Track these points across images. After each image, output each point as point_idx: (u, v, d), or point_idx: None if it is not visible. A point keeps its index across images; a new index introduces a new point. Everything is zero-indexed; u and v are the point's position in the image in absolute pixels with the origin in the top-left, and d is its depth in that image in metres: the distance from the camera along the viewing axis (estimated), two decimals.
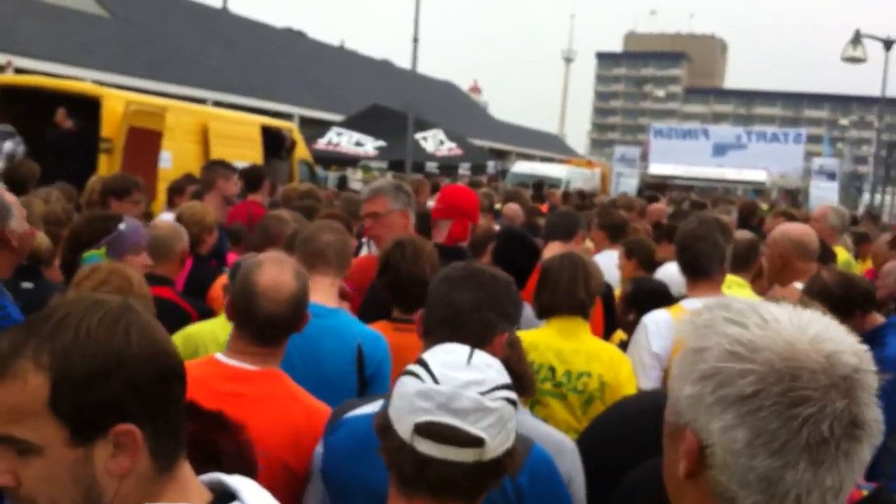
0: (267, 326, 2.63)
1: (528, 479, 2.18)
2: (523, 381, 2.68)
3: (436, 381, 1.69)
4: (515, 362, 2.64)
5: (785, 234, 4.63)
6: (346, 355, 3.24)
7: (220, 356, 2.67)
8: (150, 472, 1.30)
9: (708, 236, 3.92)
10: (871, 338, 3.72)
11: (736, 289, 4.48)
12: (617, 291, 5.02)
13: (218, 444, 1.46)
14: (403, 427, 1.69)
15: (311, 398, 2.67)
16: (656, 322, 3.82)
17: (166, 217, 5.92)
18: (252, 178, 7.69)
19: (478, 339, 2.35)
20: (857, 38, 21.93)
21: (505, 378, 1.76)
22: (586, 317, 3.69)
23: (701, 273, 3.91)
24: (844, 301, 3.73)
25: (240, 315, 2.66)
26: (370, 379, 3.26)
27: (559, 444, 2.55)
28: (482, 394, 1.68)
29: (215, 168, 6.91)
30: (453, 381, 1.69)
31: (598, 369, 3.52)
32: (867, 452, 1.17)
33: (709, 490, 1.21)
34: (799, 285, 4.46)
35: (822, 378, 1.14)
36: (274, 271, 2.68)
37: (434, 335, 2.31)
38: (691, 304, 3.79)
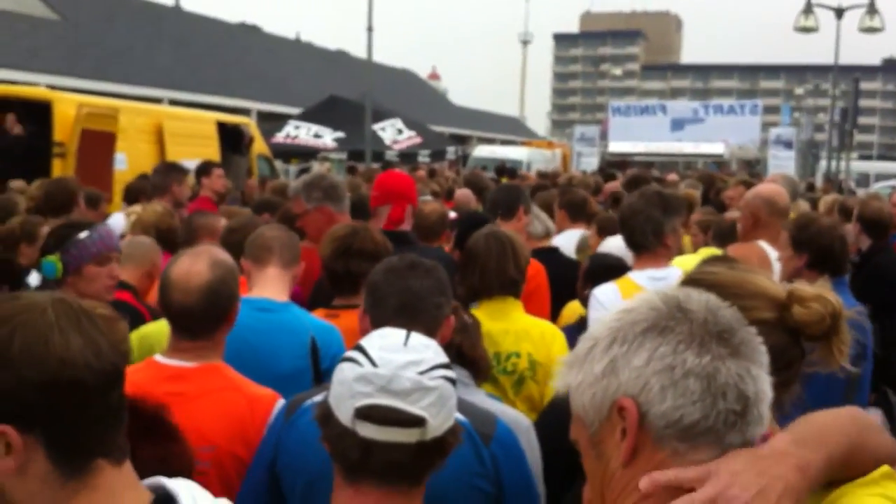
0: (182, 318, 2.60)
1: (499, 448, 2.23)
2: (478, 365, 2.70)
3: (374, 364, 1.70)
4: (469, 347, 2.66)
5: (757, 194, 4.72)
6: (300, 349, 3.20)
7: (158, 357, 2.66)
8: (53, 477, 1.31)
9: (643, 210, 3.97)
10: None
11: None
12: None
13: (136, 451, 1.44)
14: (344, 413, 1.69)
15: (255, 387, 2.65)
16: (602, 294, 3.87)
17: (117, 219, 5.88)
18: (200, 170, 7.63)
19: (434, 324, 2.42)
20: (808, 8, 22.12)
21: (442, 357, 1.77)
22: (517, 295, 3.66)
23: (639, 247, 3.97)
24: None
25: (162, 310, 2.66)
26: (326, 373, 3.18)
27: (515, 421, 2.58)
28: (421, 373, 1.69)
29: (169, 172, 6.87)
30: (392, 363, 1.70)
31: (527, 348, 3.48)
32: (765, 358, 1.28)
33: (653, 446, 1.23)
34: (762, 243, 4.57)
35: (695, 295, 1.30)
36: (186, 263, 2.65)
37: (391, 324, 2.25)
38: (635, 277, 3.86)
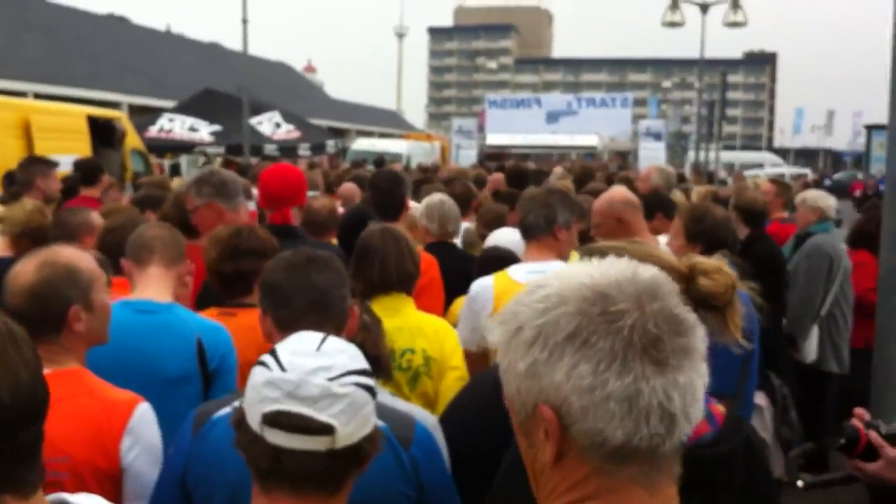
0: (16, 320, 2.54)
1: (419, 451, 2.23)
2: (379, 362, 2.66)
3: (283, 369, 1.66)
4: (371, 345, 2.62)
5: (611, 199, 4.84)
6: (186, 351, 3.09)
7: None
8: None
9: (541, 197, 4.09)
10: None
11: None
12: None
13: None
14: (253, 418, 1.66)
15: (113, 391, 2.54)
16: (477, 287, 3.94)
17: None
18: (86, 171, 7.37)
19: (342, 318, 2.41)
20: (675, 4, 22.87)
21: (358, 363, 1.73)
22: (410, 292, 3.64)
23: (529, 231, 4.07)
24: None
25: None
26: (214, 373, 3.10)
27: (423, 418, 2.60)
28: (330, 380, 1.65)
29: (32, 166, 6.62)
30: (300, 368, 1.66)
31: (421, 344, 3.45)
32: (702, 346, 1.21)
33: (578, 455, 1.19)
34: (661, 238, 4.77)
35: (629, 288, 1.19)
36: (20, 263, 2.55)
37: (302, 323, 2.23)
38: (512, 272, 3.93)
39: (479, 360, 3.79)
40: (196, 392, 3.03)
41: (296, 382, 1.64)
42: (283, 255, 2.55)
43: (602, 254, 1.35)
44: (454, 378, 3.46)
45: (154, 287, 3.25)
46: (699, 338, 1.21)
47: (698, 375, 1.19)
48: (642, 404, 1.14)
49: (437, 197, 5.58)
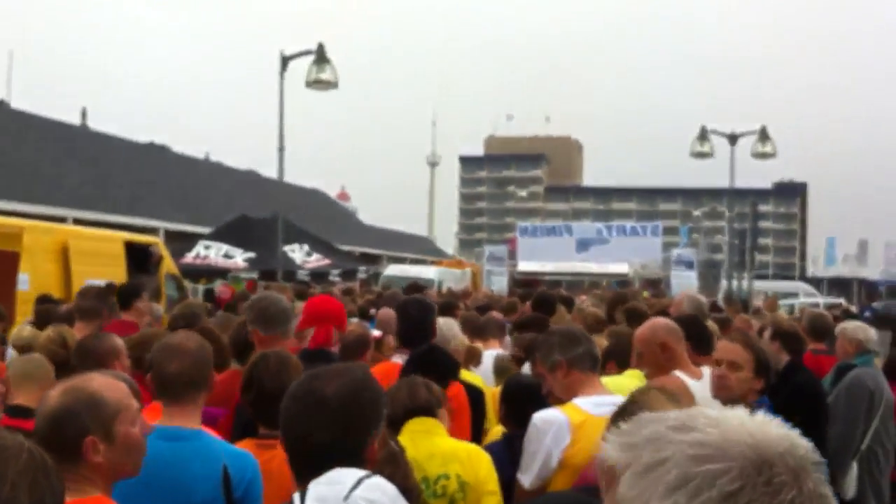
0: (38, 444, 2.51)
1: None
2: (410, 495, 2.62)
3: None
4: (401, 477, 2.54)
5: (655, 326, 4.79)
6: (212, 479, 3.08)
7: None
8: None
9: (590, 336, 4.10)
10: None
11: (635, 380, 4.62)
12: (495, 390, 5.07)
13: None
14: None
15: None
16: (550, 419, 3.85)
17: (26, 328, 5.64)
18: (124, 295, 7.42)
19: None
20: (703, 134, 23.19)
21: None
22: (437, 416, 3.62)
23: (592, 368, 4.00)
24: None
25: None
26: (239, 501, 3.09)
27: None
28: None
29: (101, 297, 6.70)
30: None
31: (455, 469, 3.43)
32: None
33: None
34: (678, 373, 4.60)
35: (790, 460, 1.13)
36: (52, 389, 2.57)
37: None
38: (583, 403, 3.83)
39: (532, 495, 3.70)
40: None
41: None
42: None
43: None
44: (492, 503, 3.42)
45: (181, 415, 3.22)
46: None
47: None
48: None
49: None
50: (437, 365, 4.29)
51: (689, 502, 1.10)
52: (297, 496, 1.65)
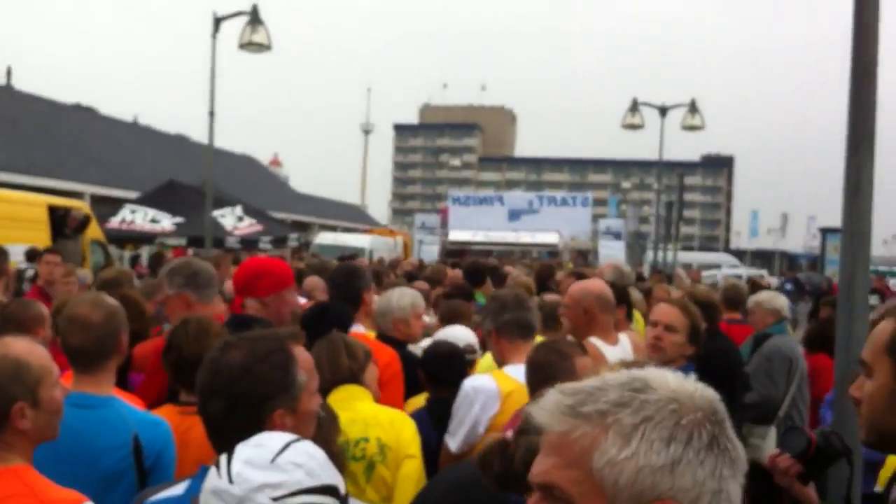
0: None
1: None
2: (334, 461, 2.64)
3: (230, 479, 1.60)
4: (321, 441, 2.59)
5: (587, 290, 4.90)
6: (122, 448, 3.03)
7: None
8: None
9: (524, 303, 4.17)
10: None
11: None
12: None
13: None
14: None
15: (55, 491, 2.44)
16: (479, 386, 3.91)
17: None
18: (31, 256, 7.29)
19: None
20: (634, 106, 23.41)
21: (316, 480, 1.64)
22: (361, 383, 3.63)
23: (524, 336, 4.10)
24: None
25: None
26: (150, 470, 3.04)
27: None
28: (275, 499, 1.58)
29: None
30: (247, 483, 1.59)
31: (375, 433, 3.44)
32: None
33: None
34: (594, 339, 4.73)
35: (718, 406, 1.32)
36: None
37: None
38: (512, 370, 3.91)
39: (458, 458, 3.76)
40: (131, 488, 2.97)
41: (239, 498, 1.58)
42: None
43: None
44: (412, 467, 3.44)
45: (91, 381, 3.19)
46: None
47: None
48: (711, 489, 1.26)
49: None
50: (327, 323, 4.24)
51: (685, 449, 1.25)
52: (223, 458, 1.64)
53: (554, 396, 1.32)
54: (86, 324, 3.24)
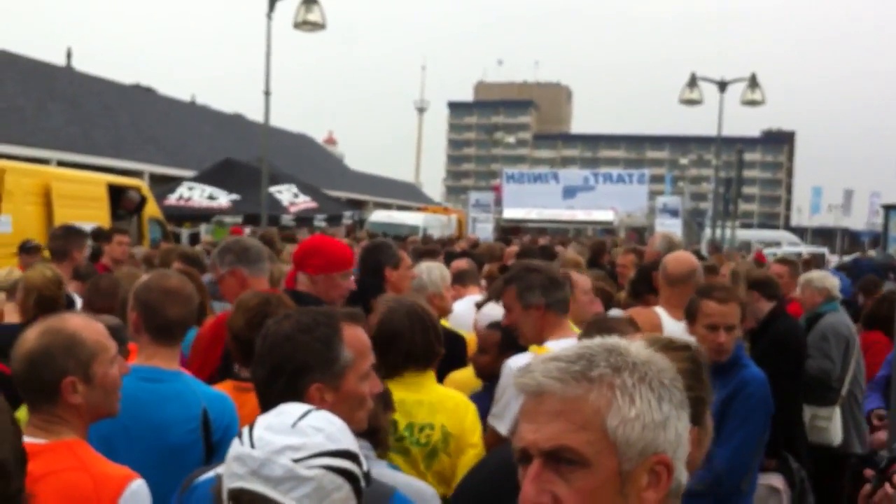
0: (16, 389, 2.46)
1: None
2: (377, 436, 2.61)
3: (252, 444, 1.62)
4: (370, 417, 2.51)
5: (693, 267, 5.04)
6: (191, 422, 3.07)
7: None
8: None
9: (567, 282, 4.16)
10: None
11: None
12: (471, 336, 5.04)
13: None
14: (225, 493, 1.62)
15: (107, 465, 2.47)
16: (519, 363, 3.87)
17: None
18: (99, 235, 7.42)
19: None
20: (693, 81, 22.99)
21: (336, 444, 1.65)
22: (433, 366, 3.58)
23: (561, 313, 4.05)
24: None
25: None
26: (218, 444, 3.06)
27: (419, 491, 2.53)
28: (297, 461, 1.59)
29: (70, 236, 6.69)
30: (268, 445, 1.61)
31: (440, 420, 3.40)
32: None
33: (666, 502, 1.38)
34: (658, 309, 4.80)
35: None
36: (28, 330, 2.53)
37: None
38: (554, 346, 3.86)
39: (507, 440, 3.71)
40: (197, 461, 2.99)
41: (260, 461, 1.59)
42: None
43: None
44: (473, 456, 3.40)
45: (161, 356, 3.21)
46: None
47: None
48: (681, 438, 1.41)
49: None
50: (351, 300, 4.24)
51: (670, 406, 1.38)
52: (246, 427, 1.66)
53: (554, 364, 1.38)
54: (184, 296, 3.29)
